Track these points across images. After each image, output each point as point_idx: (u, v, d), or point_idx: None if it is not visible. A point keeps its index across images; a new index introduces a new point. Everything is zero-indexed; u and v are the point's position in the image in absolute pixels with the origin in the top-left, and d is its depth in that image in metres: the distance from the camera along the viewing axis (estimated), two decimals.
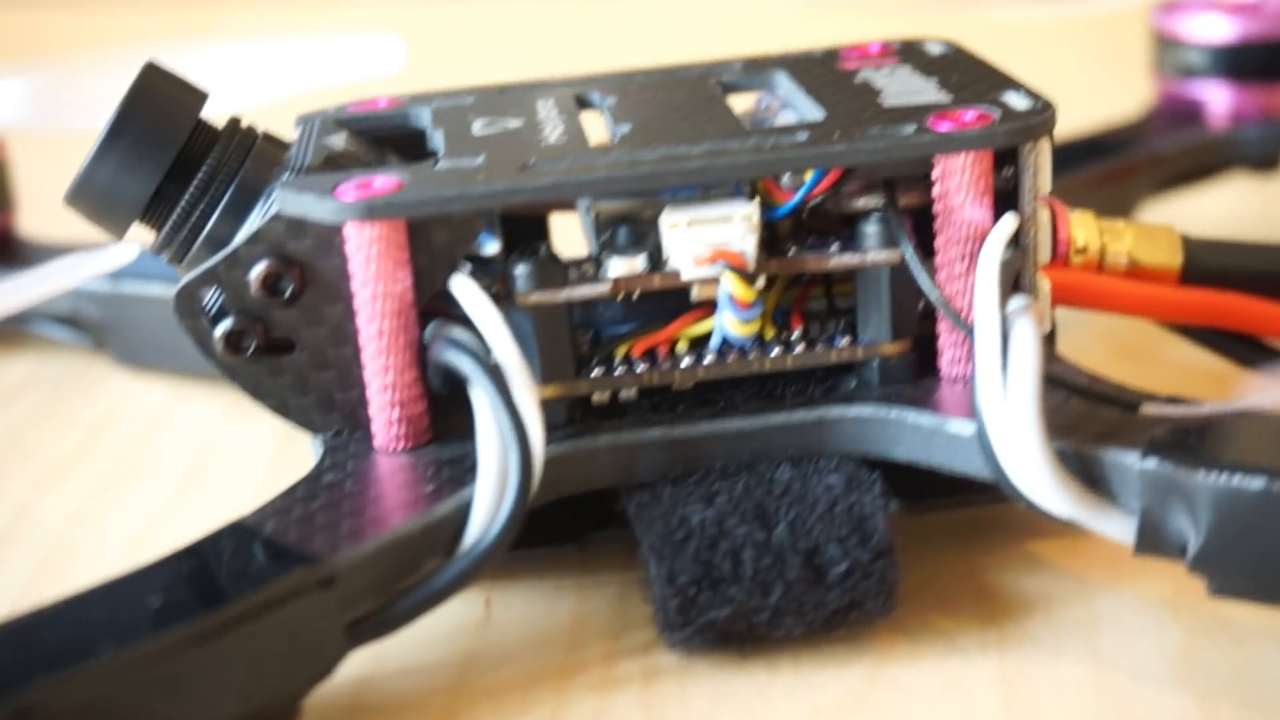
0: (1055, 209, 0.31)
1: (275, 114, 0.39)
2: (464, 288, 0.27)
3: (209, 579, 0.24)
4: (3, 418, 0.38)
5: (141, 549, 0.31)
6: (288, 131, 0.31)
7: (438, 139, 0.29)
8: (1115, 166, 0.41)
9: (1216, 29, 0.42)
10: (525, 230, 0.32)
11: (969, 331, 0.26)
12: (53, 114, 0.41)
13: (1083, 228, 0.31)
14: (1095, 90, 0.50)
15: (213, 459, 0.35)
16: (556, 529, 0.29)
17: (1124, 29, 0.47)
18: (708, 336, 0.28)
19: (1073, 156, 0.41)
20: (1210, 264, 0.32)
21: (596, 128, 0.30)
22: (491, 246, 0.32)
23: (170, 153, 0.28)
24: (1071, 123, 0.43)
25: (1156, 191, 0.42)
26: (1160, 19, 0.43)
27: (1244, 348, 0.32)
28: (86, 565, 0.30)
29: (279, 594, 0.23)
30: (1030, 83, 0.29)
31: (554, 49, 0.78)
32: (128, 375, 0.39)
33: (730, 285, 0.27)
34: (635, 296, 0.28)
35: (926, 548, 0.29)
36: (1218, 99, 0.43)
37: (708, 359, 0.28)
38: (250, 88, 0.38)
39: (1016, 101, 0.28)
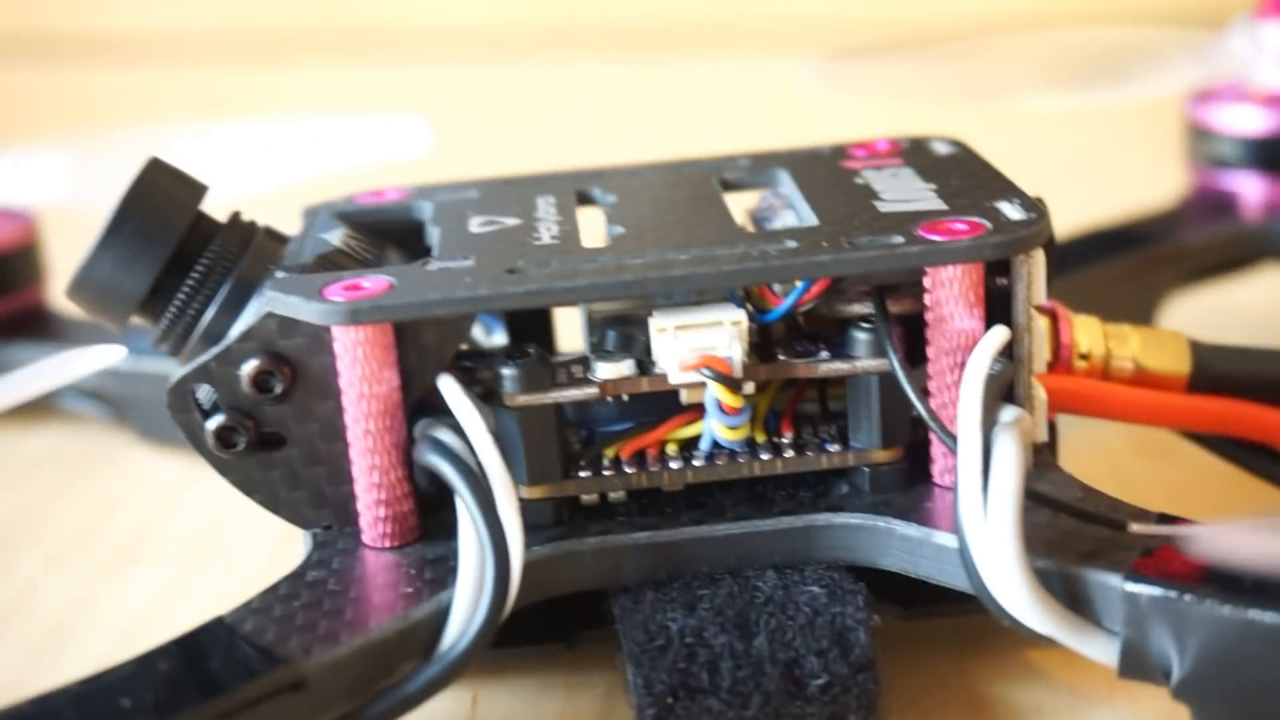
0: (1059, 314, 0.31)
1: (299, 196, 0.39)
2: (450, 389, 0.27)
3: (182, 681, 0.24)
4: (22, 492, 0.39)
5: (141, 635, 0.31)
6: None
7: (434, 236, 0.29)
8: (1144, 257, 0.41)
9: (1249, 121, 0.42)
10: (530, 323, 0.32)
11: (953, 445, 0.26)
12: (90, 191, 0.41)
13: (1087, 333, 0.31)
14: (1136, 179, 0.50)
15: (220, 540, 0.35)
16: (546, 627, 0.29)
17: (1163, 118, 0.46)
18: (698, 438, 0.28)
19: (1102, 246, 0.41)
20: (1221, 371, 0.31)
21: (594, 226, 0.30)
22: (500, 337, 0.32)
23: (166, 250, 0.28)
24: (1109, 211, 0.43)
25: (1186, 283, 0.42)
26: (1194, 110, 0.43)
27: (1257, 457, 0.31)
28: (81, 651, 0.31)
29: (249, 697, 0.24)
30: (1028, 189, 0.29)
31: (595, 116, 0.79)
32: (147, 451, 0.40)
33: (717, 392, 0.27)
34: (626, 398, 0.28)
35: (921, 655, 0.29)
36: (1251, 191, 0.42)
37: (697, 462, 0.28)
38: (272, 169, 0.39)
39: (1010, 211, 0.27)
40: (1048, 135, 0.58)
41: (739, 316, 0.27)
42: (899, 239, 0.27)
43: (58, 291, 0.43)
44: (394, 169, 0.40)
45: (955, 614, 0.29)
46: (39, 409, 0.41)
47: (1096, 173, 0.57)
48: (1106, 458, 0.37)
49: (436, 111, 0.82)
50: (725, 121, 0.74)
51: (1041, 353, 0.28)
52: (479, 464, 0.26)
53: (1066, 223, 0.42)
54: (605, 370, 0.27)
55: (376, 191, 0.32)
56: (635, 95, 0.84)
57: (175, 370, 0.28)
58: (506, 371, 0.27)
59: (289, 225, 0.31)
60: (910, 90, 0.43)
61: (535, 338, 0.32)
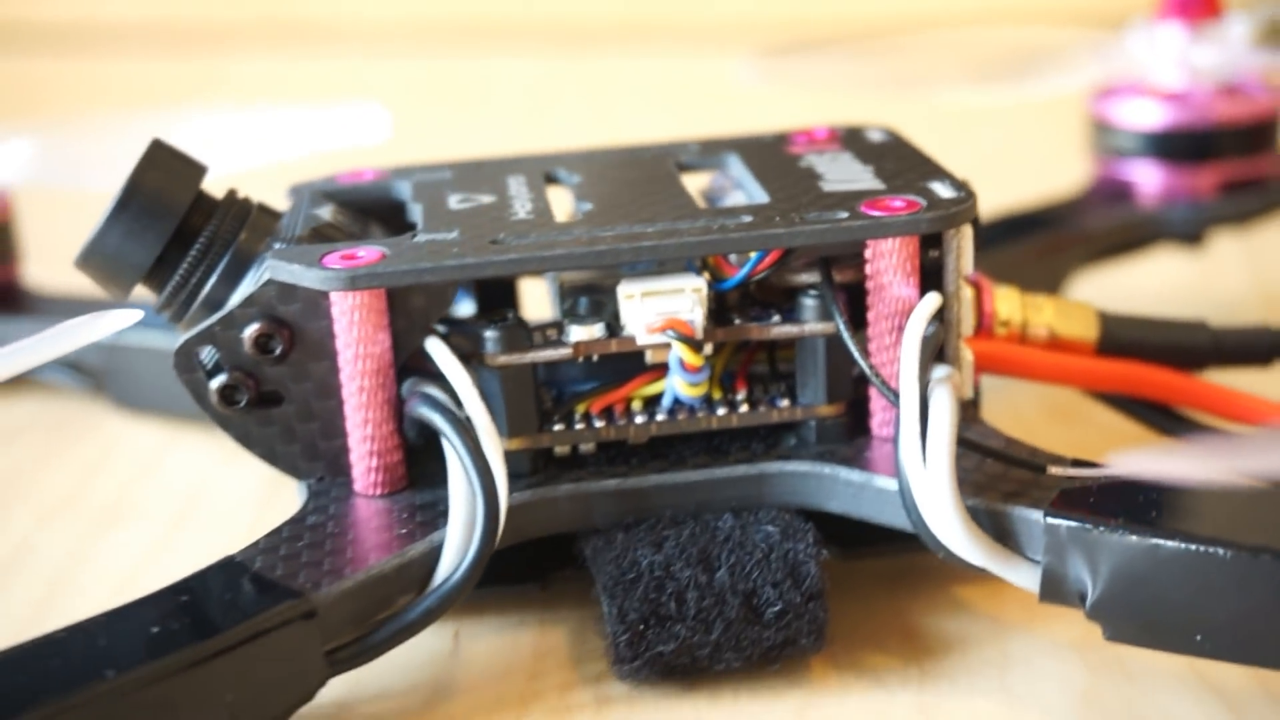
0: (981, 284, 0.34)
1: (264, 179, 0.41)
2: (438, 349, 0.29)
3: (202, 610, 0.26)
4: (5, 457, 0.41)
5: (137, 582, 0.33)
6: (273, 196, 0.33)
7: (417, 212, 0.32)
8: (1052, 239, 0.44)
9: (1148, 115, 0.45)
10: (498, 293, 0.34)
11: (895, 399, 0.29)
12: (60, 173, 0.43)
13: (1007, 302, 0.34)
14: (1046, 167, 0.53)
15: (203, 500, 0.37)
16: (520, 568, 0.32)
17: (1068, 112, 0.50)
18: (660, 396, 0.31)
19: (1015, 229, 0.44)
20: (1124, 337, 0.35)
21: (562, 203, 0.33)
22: (467, 307, 0.35)
23: (171, 223, 0.31)
24: (1019, 198, 0.46)
25: (1089, 263, 0.45)
26: (1096, 105, 0.46)
27: (1155, 414, 0.35)
28: (85, 597, 0.33)
29: (266, 625, 0.26)
30: (955, 171, 0.32)
31: (537, 110, 0.81)
32: (124, 419, 0.42)
33: (680, 352, 0.30)
34: (595, 359, 0.31)
35: (859, 591, 0.32)
36: (1148, 179, 0.46)
37: (660, 417, 0.31)
38: (240, 154, 0.41)
39: (942, 190, 0.31)
40: (964, 127, 0.62)
41: (700, 284, 0.30)
42: (844, 214, 0.30)
43: (31, 269, 0.45)
44: (351, 155, 0.43)
45: (888, 554, 0.32)
46: (18, 380, 0.43)
47: (1006, 163, 0.60)
48: (1019, 421, 0.40)
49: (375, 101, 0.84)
50: (659, 118, 0.77)
51: (968, 318, 0.31)
52: (466, 416, 0.29)
53: (983, 208, 0.46)
54: (578, 333, 0.30)
55: (355, 172, 0.35)
56: (569, 91, 0.86)
57: (155, 341, 0.30)
58: (489, 334, 0.30)
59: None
60: (842, 85, 0.46)
61: (502, 302, 0.35)
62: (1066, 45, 0.46)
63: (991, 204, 0.46)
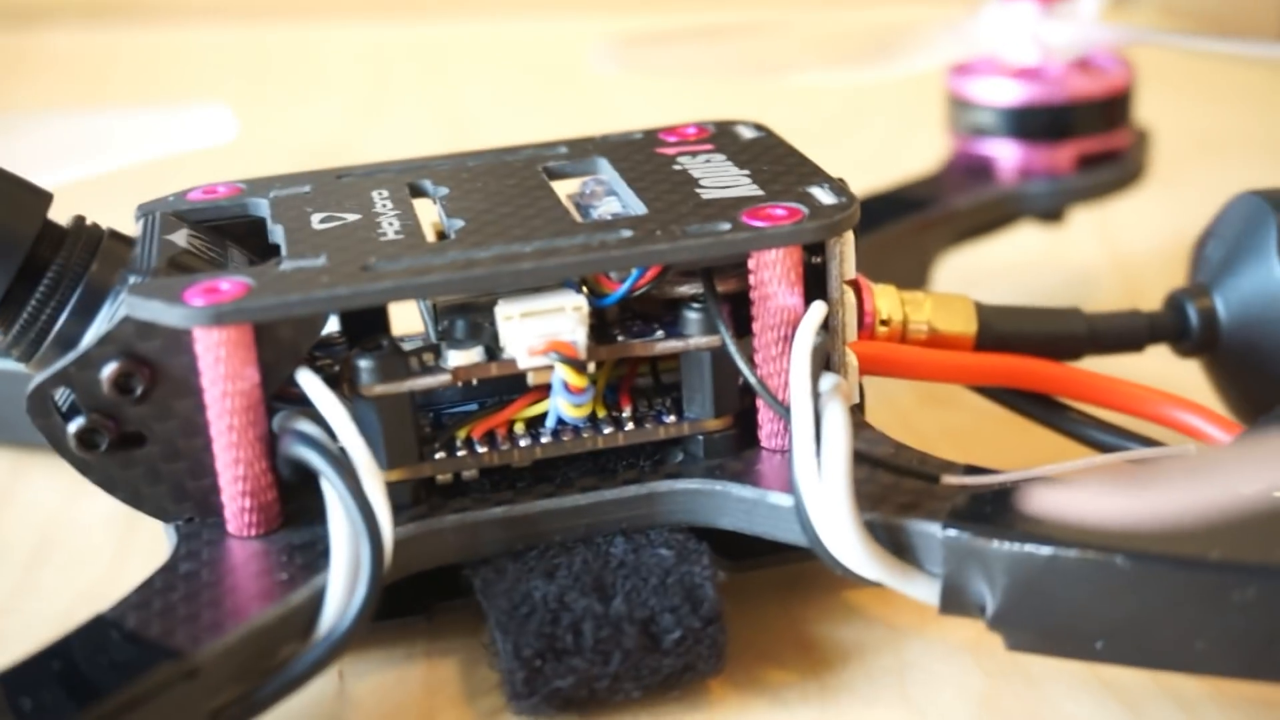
0: (860, 284, 0.33)
1: (108, 185, 0.40)
2: (309, 382, 0.28)
3: (77, 677, 0.25)
4: None
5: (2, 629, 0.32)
6: (122, 203, 0.31)
7: (278, 234, 0.30)
8: (919, 221, 0.44)
9: (1004, 92, 0.45)
10: (367, 313, 0.33)
11: (785, 413, 0.28)
12: None
13: (886, 300, 0.33)
14: (903, 144, 0.53)
15: (60, 534, 0.35)
16: (404, 601, 0.31)
17: (928, 91, 0.50)
18: (543, 416, 0.30)
19: (880, 211, 0.44)
20: (1002, 329, 0.34)
21: (432, 215, 0.31)
22: (331, 323, 0.33)
23: (16, 259, 0.29)
24: (877, 175, 0.46)
25: (955, 243, 0.45)
26: (952, 82, 0.46)
27: (1034, 405, 0.35)
28: None
29: (147, 689, 0.25)
30: (832, 175, 0.31)
31: (376, 83, 0.79)
32: None
33: (563, 374, 0.29)
34: (474, 382, 0.30)
35: (751, 601, 0.32)
36: (1007, 156, 0.46)
37: (544, 439, 0.30)
38: (81, 161, 0.39)
39: (823, 196, 0.30)
40: (826, 105, 0.62)
41: (580, 302, 0.29)
42: (726, 226, 0.29)
43: None
44: (197, 158, 0.41)
45: (778, 563, 0.31)
46: None
47: (856, 141, 0.60)
48: (894, 409, 0.40)
49: (200, 76, 0.82)
50: (504, 87, 0.75)
51: (852, 323, 0.31)
52: (343, 451, 0.27)
53: None
54: (456, 358, 0.29)
55: (208, 188, 0.33)
56: (406, 59, 0.84)
57: (32, 375, 0.29)
58: (363, 363, 0.29)
59: (99, 216, 0.32)
60: (699, 70, 0.45)
61: (369, 322, 0.33)
62: (921, 24, 0.46)
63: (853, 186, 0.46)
